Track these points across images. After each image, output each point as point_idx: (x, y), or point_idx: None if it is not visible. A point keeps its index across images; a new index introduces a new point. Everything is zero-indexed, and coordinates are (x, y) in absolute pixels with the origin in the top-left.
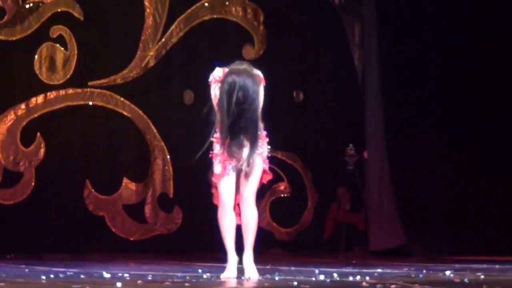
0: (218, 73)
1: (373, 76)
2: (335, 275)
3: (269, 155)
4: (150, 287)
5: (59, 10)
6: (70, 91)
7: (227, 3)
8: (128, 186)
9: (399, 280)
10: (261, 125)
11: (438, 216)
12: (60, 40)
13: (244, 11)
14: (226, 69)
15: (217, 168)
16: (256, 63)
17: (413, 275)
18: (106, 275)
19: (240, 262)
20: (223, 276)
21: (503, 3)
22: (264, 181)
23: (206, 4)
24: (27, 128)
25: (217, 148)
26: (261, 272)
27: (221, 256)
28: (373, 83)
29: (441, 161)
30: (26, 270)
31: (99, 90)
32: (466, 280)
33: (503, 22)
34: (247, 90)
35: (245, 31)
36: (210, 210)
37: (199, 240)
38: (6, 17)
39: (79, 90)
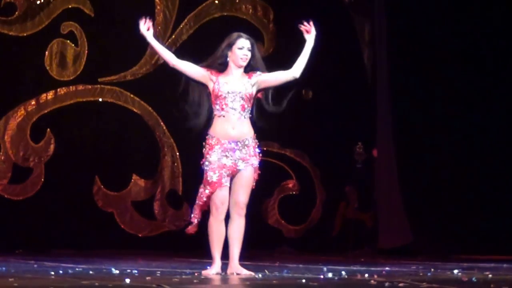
0: None
1: (383, 74)
2: (343, 273)
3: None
4: (158, 283)
5: (70, 6)
6: (80, 87)
7: (237, 0)
8: (137, 182)
9: (407, 278)
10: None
11: (446, 215)
12: (71, 36)
13: (254, 9)
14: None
15: (211, 176)
16: (265, 60)
17: (421, 274)
18: (115, 271)
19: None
20: (206, 272)
21: None
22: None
23: (216, 1)
24: (37, 124)
25: (211, 155)
26: (269, 269)
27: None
28: (382, 82)
29: (450, 160)
30: (35, 265)
31: (109, 87)
32: (474, 279)
33: None
34: None
35: (255, 29)
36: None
37: (208, 237)
38: (17, 13)
39: (89, 87)
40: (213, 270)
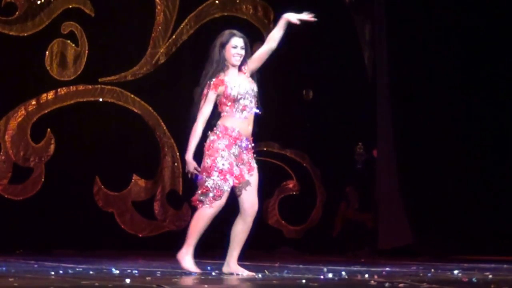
0: None
1: (383, 74)
2: (343, 273)
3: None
4: (159, 283)
5: (70, 6)
6: (81, 87)
7: (237, 1)
8: (138, 182)
9: (407, 279)
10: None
11: (447, 215)
12: (71, 36)
13: (255, 9)
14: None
15: (235, 169)
16: (265, 61)
17: (421, 274)
18: (115, 271)
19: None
20: (187, 266)
21: None
22: None
23: (217, 1)
24: (37, 124)
25: (221, 143)
26: (269, 269)
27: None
28: (383, 82)
29: (450, 160)
30: (35, 265)
31: (109, 87)
32: (474, 279)
33: None
34: None
35: (255, 29)
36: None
37: (208, 237)
38: (17, 13)
39: (90, 87)
40: (190, 264)
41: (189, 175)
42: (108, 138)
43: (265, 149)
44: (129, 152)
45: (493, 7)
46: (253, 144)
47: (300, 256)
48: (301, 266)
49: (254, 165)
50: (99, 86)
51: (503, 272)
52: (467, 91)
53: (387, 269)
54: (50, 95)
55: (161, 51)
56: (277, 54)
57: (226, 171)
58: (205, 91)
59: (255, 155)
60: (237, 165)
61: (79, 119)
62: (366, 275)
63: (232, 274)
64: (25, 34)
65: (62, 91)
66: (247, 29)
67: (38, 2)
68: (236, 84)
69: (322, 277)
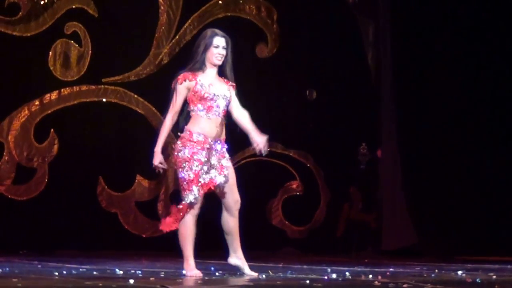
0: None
1: (387, 75)
2: (347, 274)
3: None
4: (162, 284)
5: (73, 6)
6: (84, 87)
7: (241, 1)
8: (141, 183)
9: (411, 279)
10: None
11: (451, 216)
12: (75, 36)
13: (258, 9)
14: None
15: (204, 175)
16: (269, 61)
17: (425, 275)
18: (119, 272)
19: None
20: (192, 273)
21: None
22: None
23: (220, 2)
24: (40, 124)
25: (185, 152)
26: (273, 270)
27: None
28: (386, 83)
29: (454, 161)
30: (39, 266)
31: (112, 87)
32: (478, 280)
33: None
34: None
35: (258, 30)
36: (222, 208)
37: (212, 238)
38: (20, 13)
39: (93, 87)
40: (195, 271)
41: (156, 170)
42: (112, 138)
43: (268, 149)
44: (133, 152)
45: (499, 6)
46: (226, 147)
47: (303, 256)
48: (304, 266)
49: (227, 164)
50: (102, 86)
51: (507, 273)
52: (472, 91)
53: (391, 269)
54: (54, 95)
55: (165, 51)
56: (279, 54)
57: (191, 181)
58: (173, 83)
59: (226, 157)
60: (207, 171)
61: (82, 119)
62: (370, 276)
63: (238, 266)
64: (29, 35)
65: (65, 91)
66: (250, 29)
67: (42, 3)
68: (207, 84)
69: (326, 277)
